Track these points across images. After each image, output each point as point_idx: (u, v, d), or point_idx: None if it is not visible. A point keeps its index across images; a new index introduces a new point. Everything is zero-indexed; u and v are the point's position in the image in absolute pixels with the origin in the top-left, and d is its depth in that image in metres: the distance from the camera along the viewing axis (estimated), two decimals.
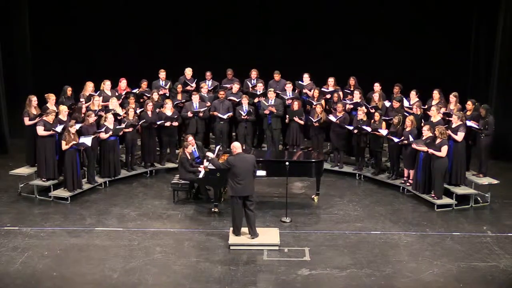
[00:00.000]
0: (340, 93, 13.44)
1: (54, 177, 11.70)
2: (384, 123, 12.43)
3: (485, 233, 10.20)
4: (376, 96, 13.14)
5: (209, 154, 11.16)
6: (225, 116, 13.27)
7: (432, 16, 15.49)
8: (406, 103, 12.80)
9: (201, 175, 11.07)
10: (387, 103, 13.10)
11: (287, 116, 13.25)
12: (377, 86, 13.41)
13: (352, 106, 13.20)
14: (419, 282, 8.60)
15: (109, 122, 12.07)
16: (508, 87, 14.00)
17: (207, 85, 13.94)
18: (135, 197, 11.81)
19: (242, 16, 15.80)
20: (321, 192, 11.74)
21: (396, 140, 11.84)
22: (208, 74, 14.12)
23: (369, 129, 12.35)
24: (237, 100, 13.53)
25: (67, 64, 15.11)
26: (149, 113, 12.78)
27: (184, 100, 13.65)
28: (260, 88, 13.74)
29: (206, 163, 11.03)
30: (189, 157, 11.45)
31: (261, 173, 10.61)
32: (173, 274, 8.78)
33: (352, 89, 13.75)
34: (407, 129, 11.74)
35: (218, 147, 12.11)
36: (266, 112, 13.33)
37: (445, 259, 9.23)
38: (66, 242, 9.75)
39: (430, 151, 11.06)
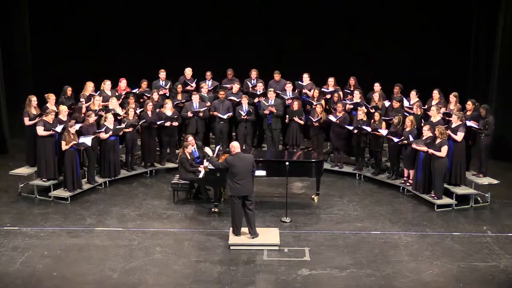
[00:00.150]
0: (340, 93, 13.43)
1: (54, 177, 11.71)
2: (384, 123, 12.43)
3: (485, 233, 10.20)
4: (376, 96, 13.14)
5: (207, 149, 11.12)
6: (225, 116, 13.27)
7: (432, 16, 15.48)
8: (406, 103, 12.79)
9: (201, 175, 11.07)
10: (387, 103, 13.09)
11: (287, 116, 13.24)
12: (377, 86, 13.41)
13: (352, 106, 13.20)
14: (419, 282, 8.59)
15: (109, 122, 12.06)
16: (508, 87, 14.00)
17: (207, 85, 13.94)
18: (135, 197, 11.80)
19: (242, 16, 15.79)
20: (321, 192, 11.74)
21: (396, 140, 11.83)
22: (208, 74, 14.12)
23: (369, 129, 12.35)
24: (237, 100, 13.53)
25: (67, 64, 15.09)
26: (149, 113, 12.78)
27: (184, 100, 13.64)
28: (260, 88, 13.73)
29: (206, 163, 11.03)
30: (189, 157, 11.45)
31: (261, 173, 10.62)
32: (173, 274, 8.78)
33: (352, 89, 13.75)
34: (407, 129, 11.74)
35: (218, 147, 12.11)
36: (266, 112, 13.32)
37: (445, 259, 9.22)
38: (66, 242, 9.75)
39: (430, 151, 11.05)
